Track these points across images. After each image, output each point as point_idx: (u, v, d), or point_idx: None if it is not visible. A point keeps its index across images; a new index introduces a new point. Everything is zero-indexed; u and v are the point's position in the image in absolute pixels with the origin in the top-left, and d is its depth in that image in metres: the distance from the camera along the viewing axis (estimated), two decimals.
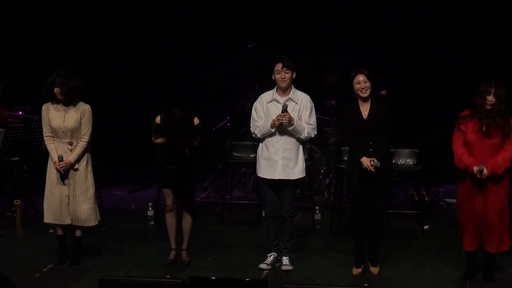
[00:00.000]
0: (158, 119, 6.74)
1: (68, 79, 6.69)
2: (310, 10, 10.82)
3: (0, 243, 7.80)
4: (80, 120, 6.79)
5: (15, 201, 8.26)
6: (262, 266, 6.85)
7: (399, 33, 10.53)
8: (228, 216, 8.84)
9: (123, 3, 11.25)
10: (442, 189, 9.85)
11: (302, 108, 6.73)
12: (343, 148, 8.38)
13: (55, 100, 6.81)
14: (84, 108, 6.84)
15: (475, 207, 6.30)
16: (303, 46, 10.62)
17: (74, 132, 6.79)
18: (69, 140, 6.80)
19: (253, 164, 9.44)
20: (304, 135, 6.71)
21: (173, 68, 11.13)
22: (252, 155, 8.71)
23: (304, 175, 6.89)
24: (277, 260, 6.89)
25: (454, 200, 9.37)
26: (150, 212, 8.89)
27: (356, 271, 6.68)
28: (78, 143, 6.80)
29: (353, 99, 6.64)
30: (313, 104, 6.81)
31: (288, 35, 10.71)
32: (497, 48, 10.24)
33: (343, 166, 8.05)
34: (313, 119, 6.79)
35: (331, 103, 9.99)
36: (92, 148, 6.97)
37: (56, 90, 6.72)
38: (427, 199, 9.44)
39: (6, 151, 8.44)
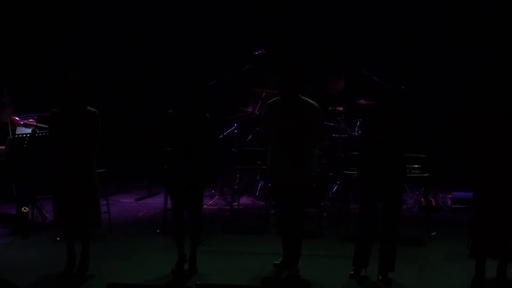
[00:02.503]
0: (167, 119, 6.77)
1: (77, 74, 6.79)
2: (316, 16, 10.83)
3: (7, 250, 7.81)
4: (89, 123, 6.81)
5: (22, 209, 8.26)
6: (276, 262, 6.99)
7: (405, 39, 10.53)
8: (235, 223, 8.83)
9: (131, 12, 11.28)
10: (450, 195, 9.85)
11: (308, 118, 6.72)
12: (350, 154, 8.36)
13: (64, 106, 6.84)
14: (93, 112, 6.86)
15: (497, 209, 6.29)
16: (309, 51, 10.64)
17: (82, 135, 6.80)
18: (77, 144, 6.80)
19: (260, 171, 9.46)
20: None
21: (180, 76, 11.14)
22: (259, 162, 8.71)
23: (314, 181, 6.90)
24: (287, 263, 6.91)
25: (462, 207, 9.42)
26: (157, 220, 8.89)
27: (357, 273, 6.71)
28: (86, 147, 6.82)
29: (360, 106, 6.64)
30: (320, 111, 6.82)
31: (294, 41, 10.72)
32: (501, 52, 10.26)
33: (350, 173, 8.04)
34: (321, 126, 6.80)
35: (338, 110, 9.99)
36: (98, 155, 6.97)
37: (65, 88, 6.74)
38: (434, 205, 9.43)
39: (14, 158, 8.45)
